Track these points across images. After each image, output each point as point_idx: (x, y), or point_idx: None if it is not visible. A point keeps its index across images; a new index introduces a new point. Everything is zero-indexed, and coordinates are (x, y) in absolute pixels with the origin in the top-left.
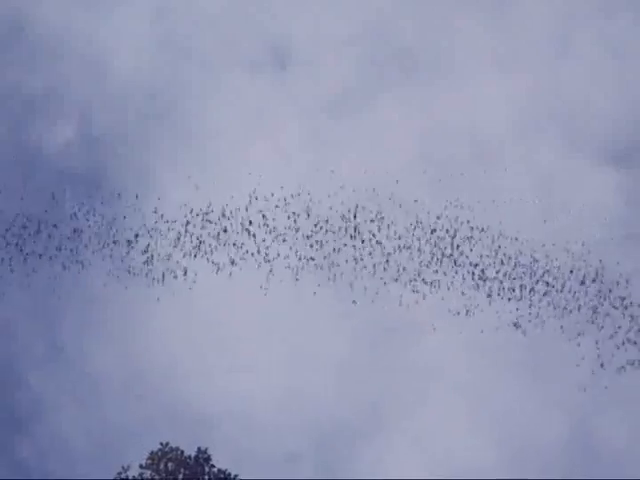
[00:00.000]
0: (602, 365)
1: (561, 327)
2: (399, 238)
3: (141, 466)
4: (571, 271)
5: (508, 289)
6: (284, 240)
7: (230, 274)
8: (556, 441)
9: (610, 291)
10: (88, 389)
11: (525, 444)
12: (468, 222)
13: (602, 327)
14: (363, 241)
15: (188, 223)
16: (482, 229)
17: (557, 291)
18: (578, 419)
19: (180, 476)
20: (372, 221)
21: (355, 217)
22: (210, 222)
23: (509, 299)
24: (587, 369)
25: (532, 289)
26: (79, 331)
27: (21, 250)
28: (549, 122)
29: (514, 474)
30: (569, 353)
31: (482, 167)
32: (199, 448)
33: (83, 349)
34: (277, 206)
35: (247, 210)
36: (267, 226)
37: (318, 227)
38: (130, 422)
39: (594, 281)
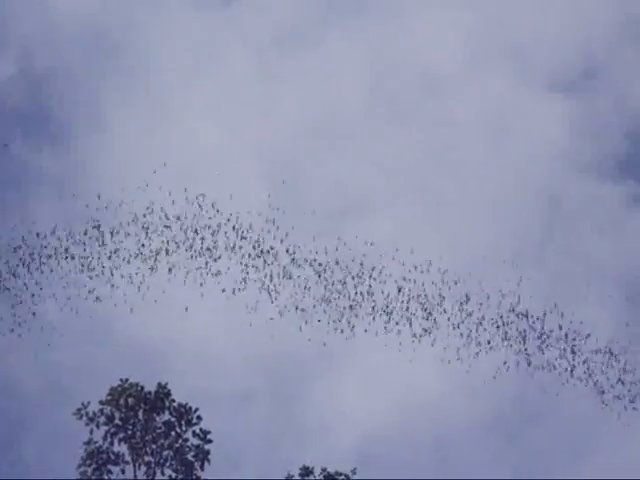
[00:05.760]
0: None
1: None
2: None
3: (101, 402)
4: None
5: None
6: None
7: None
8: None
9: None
10: (39, 330)
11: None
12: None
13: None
14: None
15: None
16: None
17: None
18: None
19: (140, 411)
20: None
21: None
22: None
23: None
24: None
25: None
26: (27, 273)
27: None
28: (498, 54)
29: (462, 406)
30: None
31: (433, 101)
32: (159, 383)
33: (32, 291)
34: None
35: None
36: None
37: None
38: (84, 362)
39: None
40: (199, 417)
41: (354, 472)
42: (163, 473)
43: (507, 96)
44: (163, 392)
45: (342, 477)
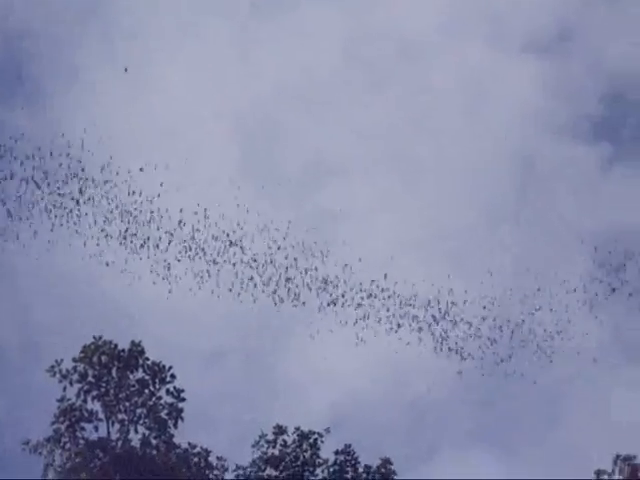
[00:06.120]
0: None
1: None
2: None
3: (74, 359)
4: None
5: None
6: None
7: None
8: None
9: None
10: (11, 289)
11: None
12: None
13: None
14: None
15: None
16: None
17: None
18: None
19: (114, 369)
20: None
21: None
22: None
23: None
24: None
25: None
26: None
27: None
28: (474, 17)
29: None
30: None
31: (410, 67)
32: (133, 341)
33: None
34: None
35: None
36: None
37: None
38: (56, 321)
39: None
40: (173, 375)
41: (328, 431)
42: (137, 431)
43: (483, 61)
44: (137, 350)
45: (316, 436)
